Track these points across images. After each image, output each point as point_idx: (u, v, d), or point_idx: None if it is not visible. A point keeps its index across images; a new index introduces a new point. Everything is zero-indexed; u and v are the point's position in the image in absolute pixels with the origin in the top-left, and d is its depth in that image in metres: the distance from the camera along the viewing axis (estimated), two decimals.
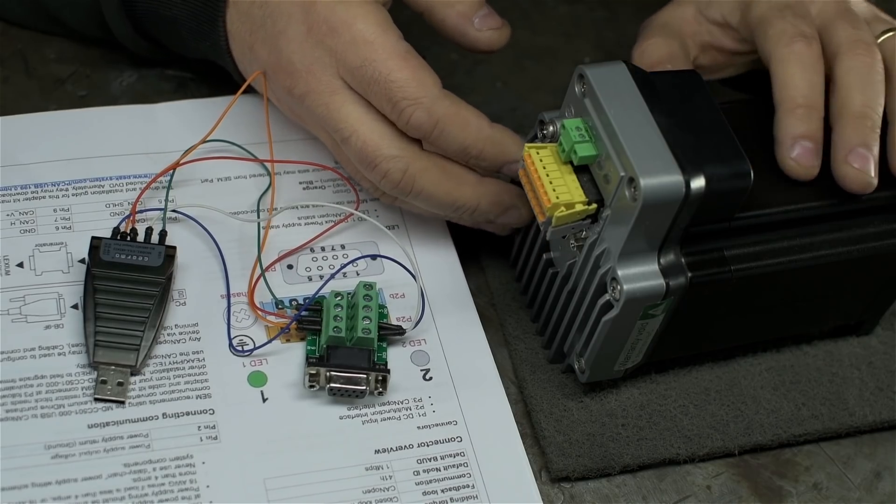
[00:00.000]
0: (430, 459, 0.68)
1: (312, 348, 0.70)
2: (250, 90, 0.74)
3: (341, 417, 0.69)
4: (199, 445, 0.67)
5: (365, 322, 0.69)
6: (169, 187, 0.74)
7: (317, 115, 0.71)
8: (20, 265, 0.71)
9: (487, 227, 0.74)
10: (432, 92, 0.69)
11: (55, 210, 0.73)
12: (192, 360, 0.69)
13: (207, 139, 0.74)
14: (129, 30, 0.77)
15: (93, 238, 0.70)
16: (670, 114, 0.65)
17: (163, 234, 0.72)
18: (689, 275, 0.66)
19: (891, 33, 0.71)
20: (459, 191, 0.71)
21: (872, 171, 0.67)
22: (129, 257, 0.70)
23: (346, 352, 0.69)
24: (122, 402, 0.67)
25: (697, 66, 0.74)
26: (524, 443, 0.70)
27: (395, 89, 0.68)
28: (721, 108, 0.66)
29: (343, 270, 0.74)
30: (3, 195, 0.73)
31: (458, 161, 0.71)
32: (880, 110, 0.68)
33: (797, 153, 0.67)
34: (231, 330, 0.71)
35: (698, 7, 0.75)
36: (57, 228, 0.73)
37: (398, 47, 0.69)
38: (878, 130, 0.68)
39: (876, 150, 0.67)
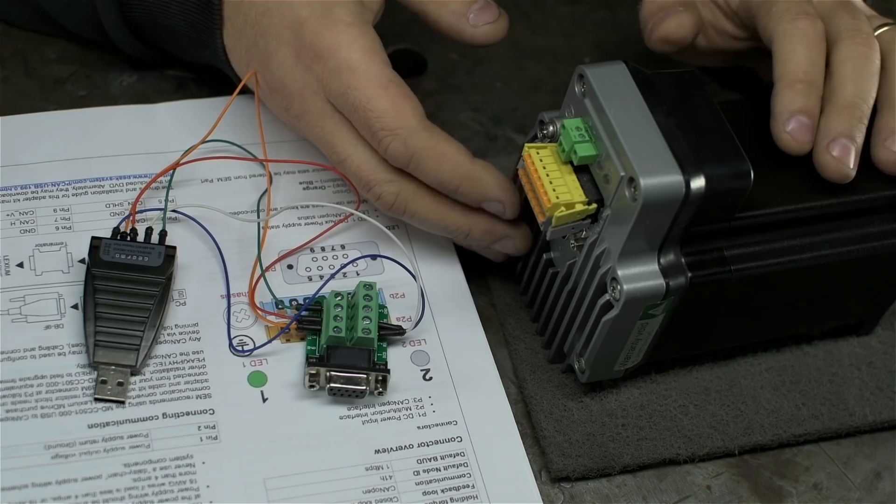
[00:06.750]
0: (430, 459, 0.68)
1: (312, 348, 0.70)
2: (250, 88, 0.74)
3: (341, 417, 0.69)
4: (199, 445, 0.67)
5: (365, 322, 0.69)
6: (169, 187, 0.74)
7: (313, 135, 0.71)
8: (20, 265, 0.71)
9: (483, 252, 0.74)
10: (410, 123, 0.68)
11: (55, 210, 0.73)
12: (192, 360, 0.69)
13: (207, 139, 0.74)
14: (128, 36, 0.77)
15: (93, 238, 0.70)
16: (670, 114, 0.65)
17: (163, 234, 0.72)
18: (689, 275, 0.66)
19: (887, 27, 0.71)
20: (451, 216, 0.71)
21: (852, 162, 0.67)
22: (129, 257, 0.70)
23: (346, 352, 0.69)
24: (122, 402, 0.67)
25: (694, 45, 0.75)
26: (524, 443, 0.70)
27: (373, 119, 0.68)
28: (721, 108, 0.66)
29: (343, 270, 0.74)
30: (3, 195, 0.73)
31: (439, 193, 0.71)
32: (871, 101, 0.68)
33: (792, 127, 0.67)
34: (231, 330, 0.71)
35: None
36: (57, 228, 0.73)
37: (381, 75, 0.69)
38: (866, 122, 0.68)
39: (860, 140, 0.67)
